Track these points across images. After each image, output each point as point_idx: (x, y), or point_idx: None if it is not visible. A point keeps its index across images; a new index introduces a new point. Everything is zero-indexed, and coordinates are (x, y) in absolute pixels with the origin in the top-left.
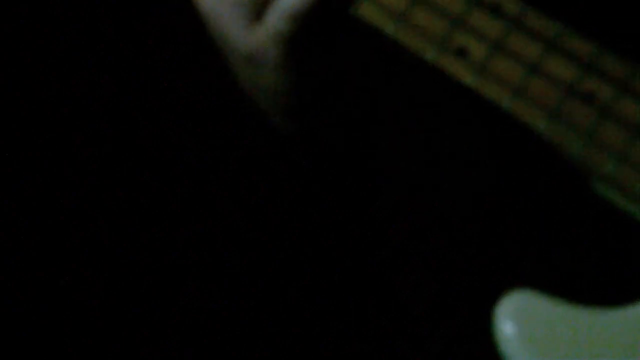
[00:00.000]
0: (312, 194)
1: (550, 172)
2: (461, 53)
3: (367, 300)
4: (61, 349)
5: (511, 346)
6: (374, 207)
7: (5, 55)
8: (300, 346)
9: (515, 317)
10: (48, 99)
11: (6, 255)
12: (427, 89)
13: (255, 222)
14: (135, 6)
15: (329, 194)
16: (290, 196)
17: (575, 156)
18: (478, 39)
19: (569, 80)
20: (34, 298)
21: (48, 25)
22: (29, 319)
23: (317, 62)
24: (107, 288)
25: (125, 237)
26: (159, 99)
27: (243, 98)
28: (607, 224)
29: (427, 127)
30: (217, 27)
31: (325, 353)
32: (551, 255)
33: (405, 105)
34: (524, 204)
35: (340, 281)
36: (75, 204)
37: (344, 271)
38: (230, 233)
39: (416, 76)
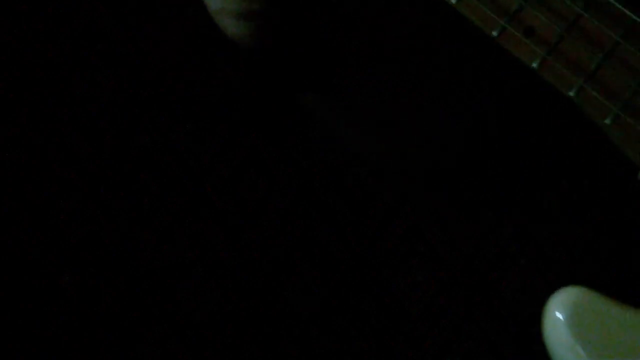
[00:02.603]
0: (312, 194)
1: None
2: (530, 32)
3: (367, 300)
4: (61, 349)
5: (560, 335)
6: (373, 207)
7: (5, 55)
8: (300, 346)
9: (568, 308)
10: (48, 98)
11: (6, 255)
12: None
13: (255, 222)
14: (134, 6)
15: (329, 194)
16: (290, 196)
17: (632, 157)
18: (549, 19)
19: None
20: (34, 298)
21: (48, 25)
22: (29, 319)
23: None
24: (106, 288)
25: (125, 237)
26: (159, 99)
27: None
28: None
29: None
30: None
31: (325, 353)
32: (548, 280)
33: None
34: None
35: (340, 281)
36: (76, 204)
37: (344, 271)
38: (230, 233)
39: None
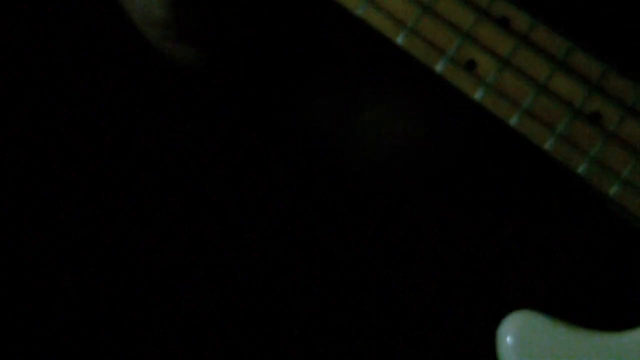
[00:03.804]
0: (312, 194)
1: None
2: (470, 67)
3: (367, 300)
4: (61, 348)
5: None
6: (373, 207)
7: (5, 55)
8: (300, 346)
9: (517, 334)
10: (48, 98)
11: (6, 255)
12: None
13: (255, 222)
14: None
15: (329, 194)
16: (290, 196)
17: (582, 176)
18: (487, 53)
19: (576, 99)
20: (34, 298)
21: (48, 25)
22: (29, 319)
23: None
24: (106, 288)
25: (125, 237)
26: (159, 99)
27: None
28: (606, 247)
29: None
30: None
31: (325, 353)
32: (556, 275)
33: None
34: (526, 218)
35: (340, 281)
36: (76, 204)
37: (344, 271)
38: (230, 233)
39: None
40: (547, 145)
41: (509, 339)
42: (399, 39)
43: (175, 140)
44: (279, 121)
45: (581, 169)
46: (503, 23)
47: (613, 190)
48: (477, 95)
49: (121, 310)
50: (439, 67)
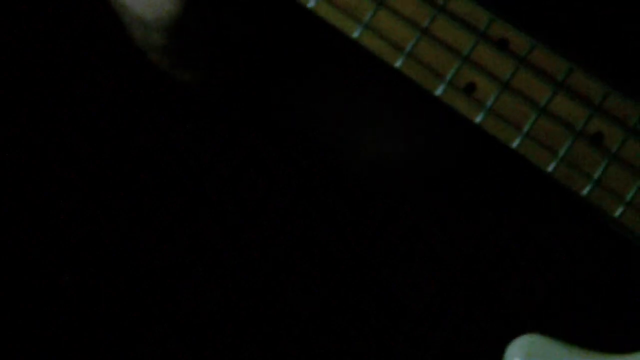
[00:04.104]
0: (312, 194)
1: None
2: (469, 89)
3: (367, 300)
4: (61, 348)
5: None
6: (373, 207)
7: (5, 55)
8: (300, 346)
9: (524, 357)
10: (48, 98)
11: (6, 255)
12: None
13: (255, 222)
14: None
15: (329, 194)
16: (290, 196)
17: (585, 199)
18: (486, 76)
19: (578, 121)
20: (34, 298)
21: (48, 25)
22: (29, 319)
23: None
24: (106, 288)
25: (125, 237)
26: (159, 99)
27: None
28: (606, 248)
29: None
30: None
31: (325, 353)
32: (556, 275)
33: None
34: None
35: (340, 281)
36: (76, 204)
37: (344, 271)
38: (230, 233)
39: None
40: (550, 168)
41: None
42: (397, 63)
43: (175, 140)
44: (279, 121)
45: (585, 191)
46: (502, 45)
47: (618, 212)
48: (478, 118)
49: (121, 310)
50: (438, 91)
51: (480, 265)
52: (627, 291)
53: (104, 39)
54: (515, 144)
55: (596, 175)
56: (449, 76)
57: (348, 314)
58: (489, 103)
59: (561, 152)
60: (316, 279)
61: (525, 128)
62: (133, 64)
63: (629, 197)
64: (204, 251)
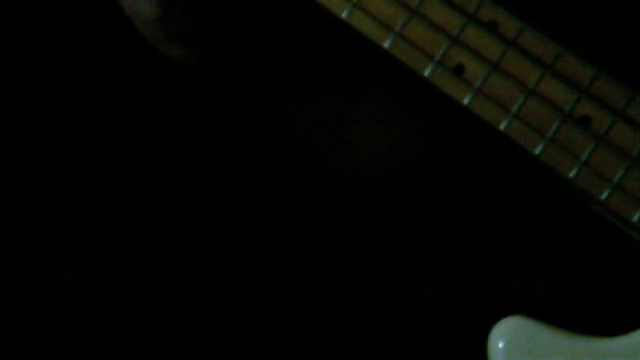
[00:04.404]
0: (312, 194)
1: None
2: (458, 71)
3: (367, 300)
4: (61, 348)
5: None
6: (373, 207)
7: (5, 55)
8: (300, 346)
9: (509, 339)
10: (48, 98)
11: (6, 255)
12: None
13: (255, 222)
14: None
15: (329, 194)
16: (290, 196)
17: (571, 181)
18: (475, 58)
19: (566, 103)
20: (34, 298)
21: (48, 25)
22: (29, 319)
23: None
24: (106, 288)
25: (125, 237)
26: (159, 99)
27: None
28: (606, 247)
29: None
30: None
31: (325, 353)
32: (556, 275)
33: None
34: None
35: (340, 281)
36: (76, 204)
37: (344, 271)
38: (230, 233)
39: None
40: (537, 150)
41: (500, 344)
42: (386, 44)
43: (175, 140)
44: (279, 121)
45: (572, 174)
46: (491, 27)
47: (604, 195)
48: (466, 99)
49: (121, 310)
50: (426, 72)
51: (480, 265)
52: (627, 291)
53: (104, 39)
54: (502, 125)
55: (583, 158)
56: (438, 57)
57: (348, 314)
58: (477, 84)
59: (549, 134)
60: (316, 279)
61: (514, 110)
62: (133, 64)
63: (615, 179)
64: (204, 251)
